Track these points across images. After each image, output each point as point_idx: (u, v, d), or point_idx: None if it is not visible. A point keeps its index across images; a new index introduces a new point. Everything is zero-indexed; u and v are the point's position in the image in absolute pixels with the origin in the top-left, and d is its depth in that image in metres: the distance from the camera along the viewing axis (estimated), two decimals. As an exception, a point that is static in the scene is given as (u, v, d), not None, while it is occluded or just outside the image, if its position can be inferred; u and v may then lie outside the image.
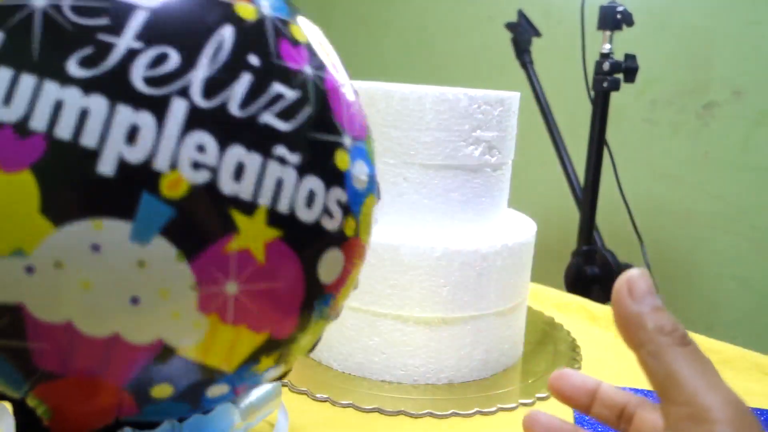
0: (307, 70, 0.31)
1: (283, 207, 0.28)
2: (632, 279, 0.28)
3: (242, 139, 0.27)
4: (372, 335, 0.61)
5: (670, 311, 0.28)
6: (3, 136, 0.25)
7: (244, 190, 0.27)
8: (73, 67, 0.26)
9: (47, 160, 0.25)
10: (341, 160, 0.31)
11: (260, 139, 0.28)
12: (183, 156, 0.26)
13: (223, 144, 0.27)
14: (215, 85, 0.27)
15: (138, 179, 0.25)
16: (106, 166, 0.25)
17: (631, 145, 1.42)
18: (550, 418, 0.33)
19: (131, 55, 0.26)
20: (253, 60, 0.28)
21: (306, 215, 0.29)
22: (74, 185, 0.25)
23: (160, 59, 0.26)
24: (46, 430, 0.29)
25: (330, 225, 0.31)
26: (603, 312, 0.82)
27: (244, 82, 0.28)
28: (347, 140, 0.32)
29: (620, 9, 1.15)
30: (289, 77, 0.29)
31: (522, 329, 0.69)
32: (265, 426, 0.52)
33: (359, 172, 0.33)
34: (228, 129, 0.27)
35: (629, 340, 0.28)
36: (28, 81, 0.25)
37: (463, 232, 0.63)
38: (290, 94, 0.29)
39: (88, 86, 0.25)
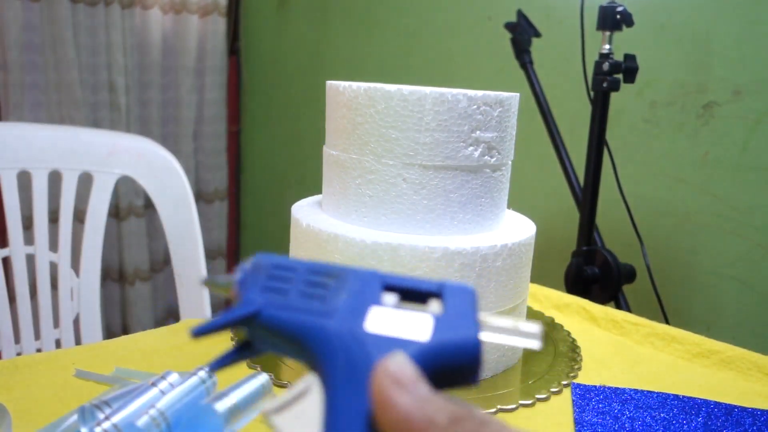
0: None
1: None
2: (390, 371, 0.22)
3: None
4: (372, 336, 0.61)
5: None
6: None
7: None
8: None
9: None
10: None
11: None
12: None
13: None
14: None
15: None
16: None
17: (631, 145, 1.42)
18: None
19: None
20: None
21: None
22: None
23: None
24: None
25: None
26: (603, 312, 0.82)
27: None
28: None
29: (620, 9, 1.14)
30: None
31: (522, 330, 0.69)
32: (263, 428, 0.52)
33: None
34: None
35: None
36: None
37: (463, 233, 0.63)
38: None
39: None
